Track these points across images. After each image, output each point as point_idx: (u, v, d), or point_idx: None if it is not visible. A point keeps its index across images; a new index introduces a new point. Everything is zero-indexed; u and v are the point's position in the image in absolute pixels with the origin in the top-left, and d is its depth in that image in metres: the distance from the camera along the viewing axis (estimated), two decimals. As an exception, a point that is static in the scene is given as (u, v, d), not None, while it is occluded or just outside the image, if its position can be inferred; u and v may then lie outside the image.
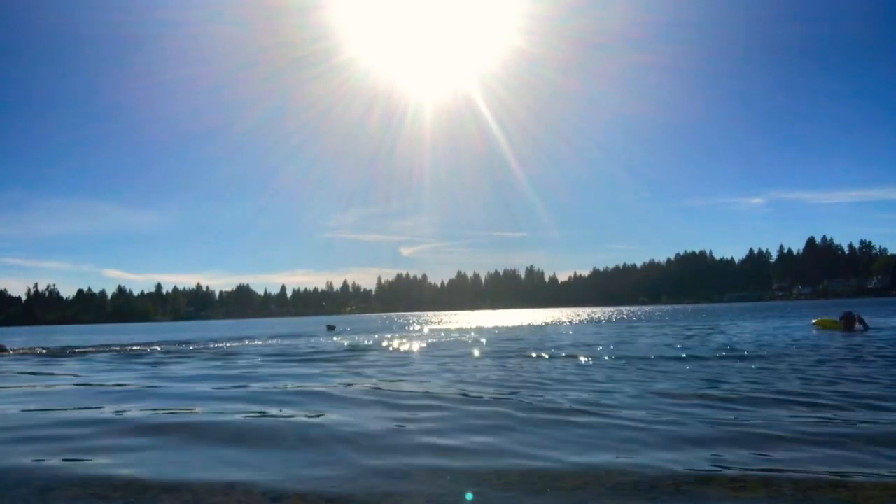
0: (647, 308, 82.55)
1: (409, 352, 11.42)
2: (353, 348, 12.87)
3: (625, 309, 77.52)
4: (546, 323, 28.46)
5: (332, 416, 4.69)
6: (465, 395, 5.53)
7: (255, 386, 6.72)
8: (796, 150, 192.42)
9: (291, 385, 6.67)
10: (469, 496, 2.72)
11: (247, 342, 17.36)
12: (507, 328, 23.44)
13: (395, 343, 14.31)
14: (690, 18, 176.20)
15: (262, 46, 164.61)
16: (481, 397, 5.31)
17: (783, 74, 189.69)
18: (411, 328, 27.59)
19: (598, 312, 56.68)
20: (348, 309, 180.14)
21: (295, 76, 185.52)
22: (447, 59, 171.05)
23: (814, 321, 15.99)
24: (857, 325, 14.58)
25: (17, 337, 31.10)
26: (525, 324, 28.27)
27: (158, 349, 14.52)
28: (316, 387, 6.43)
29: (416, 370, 7.91)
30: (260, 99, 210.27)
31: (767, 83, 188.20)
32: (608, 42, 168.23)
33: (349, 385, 6.53)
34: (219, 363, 10.05)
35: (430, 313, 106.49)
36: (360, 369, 8.28)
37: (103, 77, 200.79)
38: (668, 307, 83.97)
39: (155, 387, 6.92)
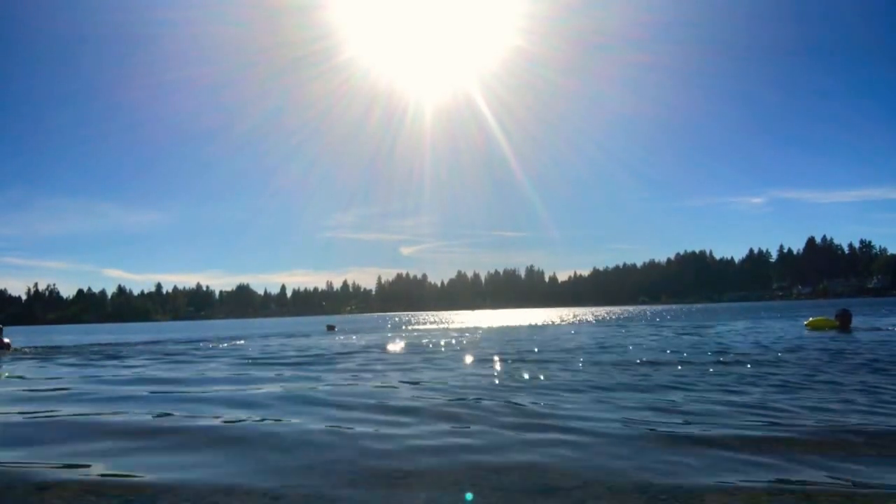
0: (646, 308, 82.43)
1: (382, 356, 11.32)
2: (329, 350, 12.77)
3: (624, 309, 77.40)
4: (541, 324, 28.36)
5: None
6: (415, 417, 4.70)
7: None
8: (796, 150, 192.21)
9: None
10: (469, 496, 2.72)
11: (236, 342, 17.27)
12: (502, 328, 23.35)
13: (378, 344, 14.22)
14: (690, 18, 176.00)
15: (262, 46, 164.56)
16: (424, 420, 4.72)
17: (783, 74, 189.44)
18: (404, 328, 27.50)
19: (598, 312, 56.58)
20: (348, 309, 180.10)
21: (295, 76, 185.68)
22: (447, 59, 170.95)
23: (806, 322, 15.49)
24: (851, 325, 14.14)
25: (12, 337, 30.99)
26: (520, 324, 28.19)
27: (69, 351, 14.44)
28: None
29: (371, 380, 7.61)
30: (260, 99, 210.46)
31: (767, 83, 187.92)
32: (608, 42, 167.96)
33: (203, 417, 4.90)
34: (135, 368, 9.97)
35: (430, 313, 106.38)
36: (309, 376, 8.16)
37: (103, 77, 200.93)
38: (668, 307, 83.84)
39: None
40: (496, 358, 9.44)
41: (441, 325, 30.36)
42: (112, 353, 13.86)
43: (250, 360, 10.38)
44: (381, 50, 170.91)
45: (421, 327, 28.67)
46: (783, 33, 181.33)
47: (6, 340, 15.32)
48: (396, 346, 13.15)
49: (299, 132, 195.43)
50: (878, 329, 13.97)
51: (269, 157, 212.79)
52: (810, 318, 15.68)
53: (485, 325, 28.89)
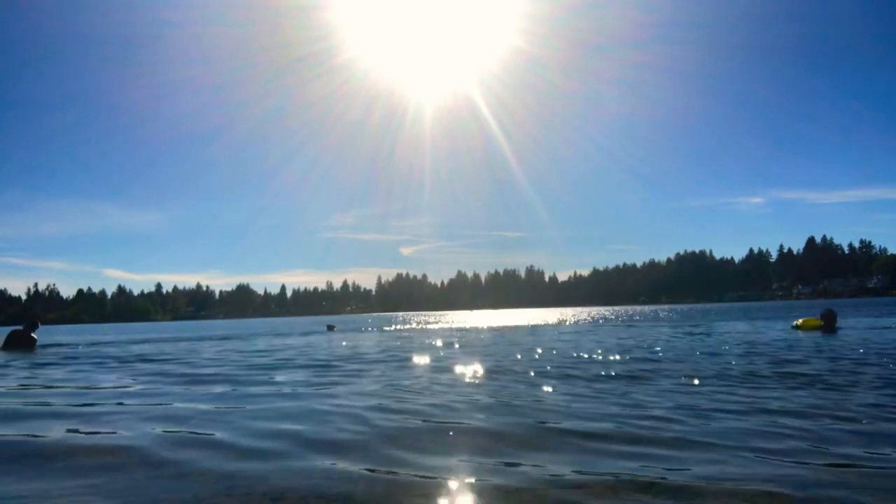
0: (646, 308, 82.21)
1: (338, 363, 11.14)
2: (291, 359, 12.60)
3: (624, 309, 77.18)
4: (536, 325, 28.23)
5: None
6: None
7: None
8: (796, 150, 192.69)
9: None
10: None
11: (228, 343, 17.12)
12: (494, 329, 23.19)
13: (365, 349, 14.08)
14: (690, 18, 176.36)
15: (262, 47, 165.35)
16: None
17: (783, 75, 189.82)
18: (392, 329, 27.38)
19: (597, 312, 56.40)
20: (348, 309, 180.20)
21: (295, 76, 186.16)
22: (447, 59, 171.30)
23: (795, 322, 15.35)
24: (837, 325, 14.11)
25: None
26: (514, 325, 28.05)
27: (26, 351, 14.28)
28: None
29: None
30: (261, 99, 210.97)
31: (767, 83, 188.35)
32: (608, 42, 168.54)
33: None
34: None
35: (430, 313, 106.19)
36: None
37: (104, 77, 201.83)
38: (668, 307, 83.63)
39: None
40: (448, 366, 9.28)
41: (432, 326, 30.23)
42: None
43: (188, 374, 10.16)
44: (382, 50, 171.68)
45: (420, 328, 28.55)
46: (782, 33, 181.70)
47: (34, 336, 15.01)
48: (374, 346, 12.99)
49: (300, 132, 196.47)
50: (870, 328, 13.83)
51: (269, 157, 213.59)
52: (799, 320, 15.51)
53: (478, 325, 28.76)
